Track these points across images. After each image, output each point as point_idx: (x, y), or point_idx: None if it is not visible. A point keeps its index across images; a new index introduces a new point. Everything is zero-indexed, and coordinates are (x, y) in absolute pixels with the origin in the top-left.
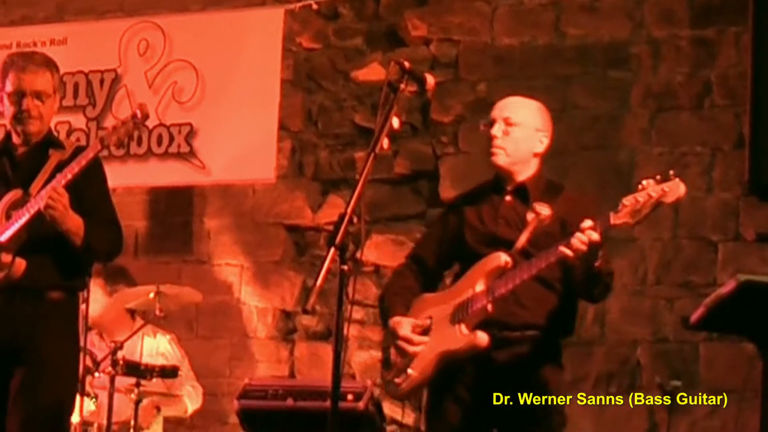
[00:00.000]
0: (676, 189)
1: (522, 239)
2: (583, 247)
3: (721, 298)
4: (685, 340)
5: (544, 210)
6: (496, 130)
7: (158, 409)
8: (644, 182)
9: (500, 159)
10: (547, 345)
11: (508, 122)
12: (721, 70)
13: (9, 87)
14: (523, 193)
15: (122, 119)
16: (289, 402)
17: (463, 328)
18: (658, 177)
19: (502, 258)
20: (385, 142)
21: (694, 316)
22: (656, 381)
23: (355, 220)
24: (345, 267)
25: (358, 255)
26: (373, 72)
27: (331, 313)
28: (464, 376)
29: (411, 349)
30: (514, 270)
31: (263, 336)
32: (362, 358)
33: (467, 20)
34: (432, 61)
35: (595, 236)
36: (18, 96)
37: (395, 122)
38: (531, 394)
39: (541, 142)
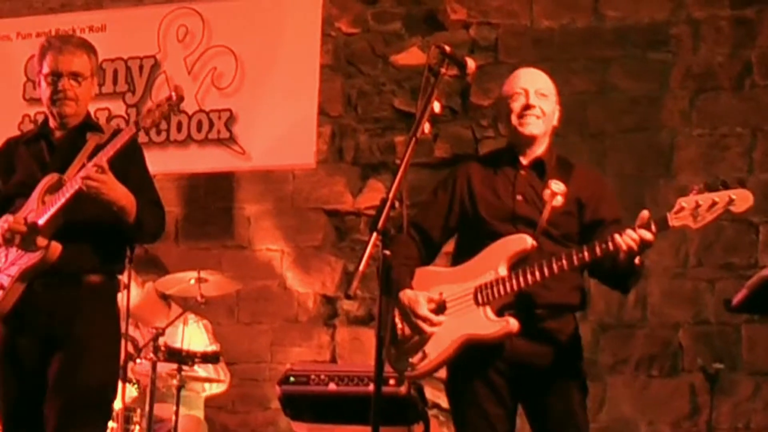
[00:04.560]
0: (746, 198)
1: (543, 219)
2: (634, 245)
3: (762, 279)
4: (727, 322)
5: (560, 187)
6: (533, 99)
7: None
8: (696, 187)
9: (536, 128)
10: (569, 322)
11: (539, 93)
12: (762, 50)
13: (46, 68)
14: (539, 168)
15: (157, 102)
16: (332, 387)
17: (489, 312)
18: (723, 181)
19: (528, 241)
20: (426, 127)
21: (736, 299)
22: (698, 363)
23: (396, 204)
24: (387, 252)
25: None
26: (412, 56)
27: (372, 297)
28: (495, 361)
29: (429, 329)
30: (551, 258)
31: (304, 321)
32: None
33: (506, 3)
34: (471, 45)
35: (649, 236)
36: (54, 77)
37: (436, 106)
38: (556, 373)
39: (557, 115)
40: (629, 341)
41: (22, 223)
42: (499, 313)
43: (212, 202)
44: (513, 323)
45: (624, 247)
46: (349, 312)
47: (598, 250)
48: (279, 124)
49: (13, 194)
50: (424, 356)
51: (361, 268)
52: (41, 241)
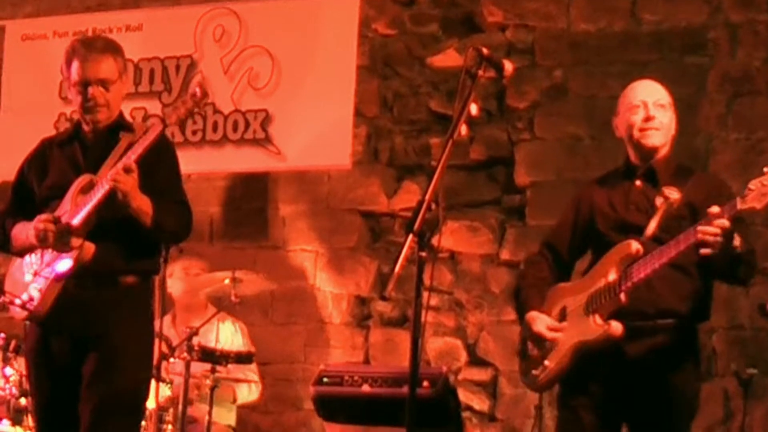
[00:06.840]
0: None
1: (652, 225)
2: (711, 237)
3: None
4: (761, 327)
5: (673, 194)
6: (653, 110)
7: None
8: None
9: (656, 139)
10: (683, 333)
11: (657, 104)
12: None
13: (74, 77)
14: (652, 176)
15: (182, 98)
16: (365, 388)
17: (597, 318)
18: None
19: (633, 246)
20: (463, 129)
21: None
22: (732, 368)
23: (432, 206)
24: (423, 254)
25: (434, 241)
26: (448, 58)
27: (406, 299)
28: (597, 370)
29: (548, 344)
30: (646, 257)
31: (338, 322)
32: (437, 344)
33: (543, 6)
34: (508, 47)
35: (726, 224)
36: (83, 86)
37: (474, 109)
38: (666, 388)
39: (675, 124)
40: None
41: (52, 221)
42: (608, 319)
43: (247, 202)
44: (615, 326)
45: (703, 237)
46: (383, 313)
47: (682, 244)
48: (315, 125)
49: (47, 197)
50: (545, 368)
51: (396, 269)
52: (75, 241)
